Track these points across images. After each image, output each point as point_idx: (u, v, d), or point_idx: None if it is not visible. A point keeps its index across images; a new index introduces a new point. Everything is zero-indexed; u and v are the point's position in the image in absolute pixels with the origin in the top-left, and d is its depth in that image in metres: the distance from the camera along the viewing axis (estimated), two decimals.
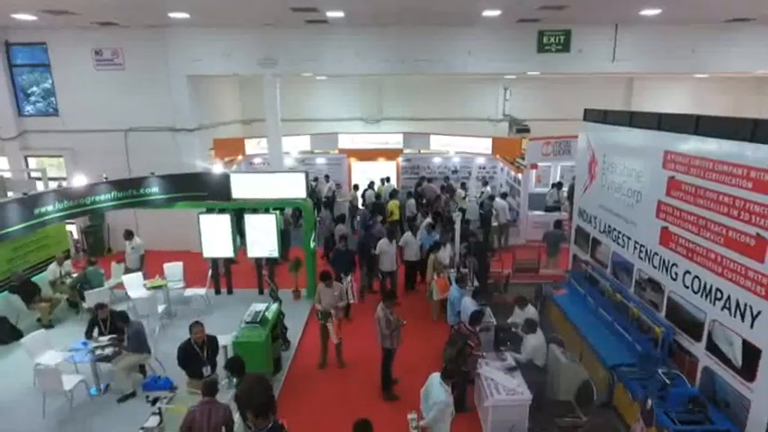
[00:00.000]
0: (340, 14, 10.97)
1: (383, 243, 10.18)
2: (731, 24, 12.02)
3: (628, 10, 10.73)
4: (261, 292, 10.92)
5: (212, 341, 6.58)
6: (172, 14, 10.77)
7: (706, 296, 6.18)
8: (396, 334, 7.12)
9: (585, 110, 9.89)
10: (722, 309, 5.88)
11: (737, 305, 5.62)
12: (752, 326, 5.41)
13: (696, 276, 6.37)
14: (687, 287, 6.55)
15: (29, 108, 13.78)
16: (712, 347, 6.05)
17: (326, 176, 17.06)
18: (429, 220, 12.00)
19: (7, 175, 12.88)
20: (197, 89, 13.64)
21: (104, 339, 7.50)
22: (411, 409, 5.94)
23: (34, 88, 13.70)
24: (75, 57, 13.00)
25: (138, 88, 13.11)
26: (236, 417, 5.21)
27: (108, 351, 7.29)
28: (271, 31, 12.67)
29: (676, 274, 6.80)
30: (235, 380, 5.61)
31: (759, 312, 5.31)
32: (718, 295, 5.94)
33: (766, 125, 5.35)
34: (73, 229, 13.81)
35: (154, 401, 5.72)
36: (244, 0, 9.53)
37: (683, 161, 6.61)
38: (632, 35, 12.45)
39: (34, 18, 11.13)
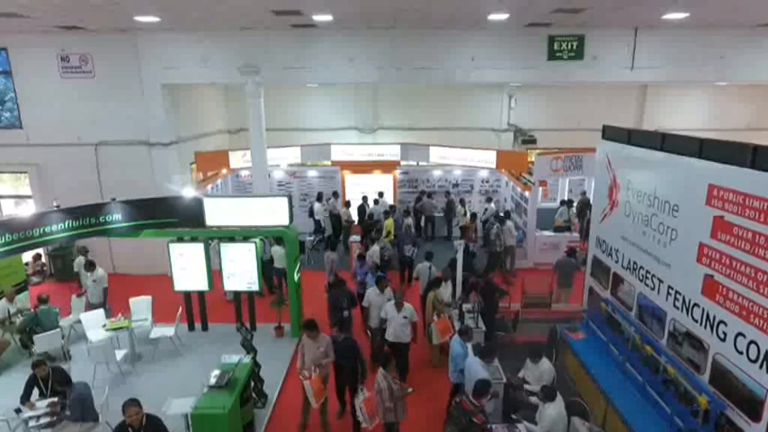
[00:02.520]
0: (328, 18, 9.81)
1: (371, 293, 8.39)
2: (763, 29, 10.85)
3: (651, 13, 9.58)
4: (239, 329, 9.75)
5: (153, 424, 5.34)
6: (138, 18, 9.60)
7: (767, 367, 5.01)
8: (400, 405, 5.96)
9: (604, 126, 8.73)
10: None
11: None
12: None
13: (753, 342, 5.20)
14: (740, 353, 5.38)
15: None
16: None
17: (335, 193, 15.63)
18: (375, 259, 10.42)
19: None
20: (174, 98, 12.48)
21: (43, 405, 6.33)
22: None
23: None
24: (39, 63, 11.85)
25: (108, 98, 11.97)
26: None
27: (44, 421, 6.12)
28: (253, 36, 11.51)
29: (725, 333, 5.62)
30: None
31: None
32: None
33: None
34: (41, 251, 12.66)
35: None
36: (216, 3, 8.36)
37: (736, 200, 5.43)
38: (653, 40, 11.29)
39: None
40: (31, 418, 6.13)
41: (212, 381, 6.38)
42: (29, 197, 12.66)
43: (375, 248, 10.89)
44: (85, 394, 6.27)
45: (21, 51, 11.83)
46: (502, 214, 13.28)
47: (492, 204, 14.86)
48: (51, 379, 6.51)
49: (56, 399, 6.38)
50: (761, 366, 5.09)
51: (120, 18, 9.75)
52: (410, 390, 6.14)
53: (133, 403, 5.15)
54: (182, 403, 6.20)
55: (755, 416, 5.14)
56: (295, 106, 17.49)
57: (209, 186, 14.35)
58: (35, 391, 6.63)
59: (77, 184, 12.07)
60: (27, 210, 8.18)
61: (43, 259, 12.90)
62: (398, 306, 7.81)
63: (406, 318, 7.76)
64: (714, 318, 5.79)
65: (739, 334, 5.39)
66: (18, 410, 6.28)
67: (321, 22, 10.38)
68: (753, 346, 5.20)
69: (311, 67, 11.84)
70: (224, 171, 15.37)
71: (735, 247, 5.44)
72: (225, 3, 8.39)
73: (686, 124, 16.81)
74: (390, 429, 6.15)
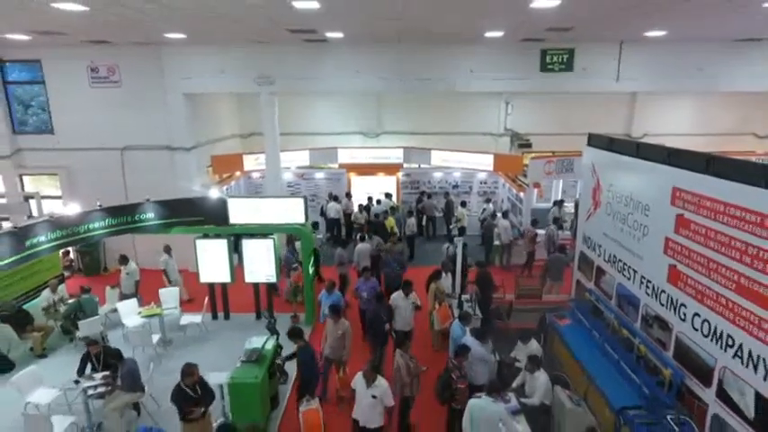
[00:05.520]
0: (339, 35, 10.78)
1: (397, 296, 8.70)
2: (741, 43, 11.83)
3: (633, 31, 10.56)
4: (258, 317, 10.74)
5: (203, 383, 6.38)
6: (167, 35, 10.57)
7: (716, 341, 5.97)
8: (416, 381, 6.93)
9: (590, 135, 9.68)
10: (733, 357, 5.67)
11: (750, 355, 5.42)
12: (765, 378, 5.21)
13: (706, 320, 6.17)
14: (696, 330, 6.35)
15: (25, 126, 13.56)
16: (723, 395, 5.85)
17: (348, 194, 16.43)
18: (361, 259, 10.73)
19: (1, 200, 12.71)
20: (194, 106, 13.44)
21: (97, 377, 7.29)
22: None
23: (31, 105, 13.49)
24: (70, 74, 12.84)
25: (133, 106, 12.94)
26: None
27: (100, 390, 7.10)
28: (268, 49, 12.49)
29: (685, 314, 6.59)
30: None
31: None
32: (730, 342, 5.74)
33: None
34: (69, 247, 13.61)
35: None
36: (239, 23, 9.31)
37: (693, 200, 6.40)
38: (637, 53, 12.28)
39: (27, 38, 10.93)
40: (88, 387, 7.09)
41: (244, 357, 7.36)
42: (59, 197, 13.65)
43: (363, 246, 11.39)
44: (134, 368, 7.24)
45: (53, 63, 12.82)
46: (500, 214, 14.27)
47: (490, 205, 15.81)
48: (103, 355, 7.47)
49: (108, 372, 7.34)
50: (711, 340, 6.06)
51: (151, 35, 10.72)
52: (424, 368, 7.08)
53: (193, 366, 6.17)
54: (218, 375, 7.18)
55: (707, 382, 6.11)
56: (304, 112, 18.41)
57: (225, 187, 15.31)
58: (88, 368, 7.59)
59: (104, 186, 12.97)
60: (73, 209, 9.11)
61: (71, 255, 13.86)
62: (368, 380, 6.13)
63: (375, 397, 6.06)
64: (677, 301, 6.76)
65: (695, 314, 6.37)
66: (77, 381, 7.25)
67: (332, 39, 11.34)
68: (705, 324, 6.17)
69: (321, 77, 12.82)
70: (238, 173, 16.33)
71: (692, 240, 6.41)
72: (246, 23, 9.35)
73: (673, 130, 17.71)
74: (407, 403, 7.09)
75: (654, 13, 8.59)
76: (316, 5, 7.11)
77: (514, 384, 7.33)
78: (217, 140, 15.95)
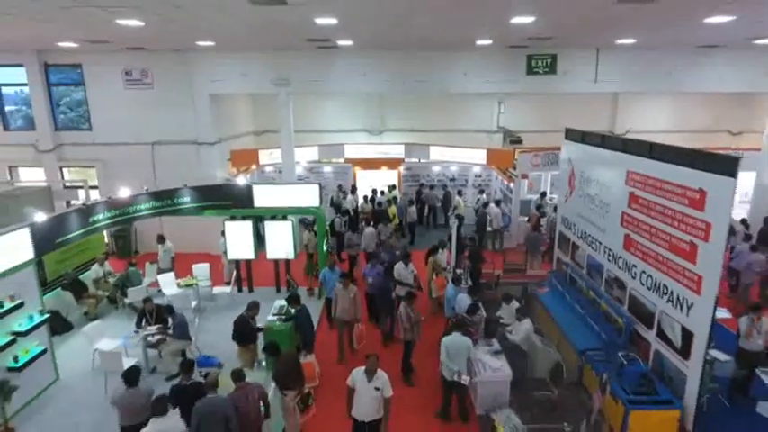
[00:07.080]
0: (349, 43, 12.31)
1: (399, 266, 10.16)
2: (704, 49, 13.37)
3: (606, 39, 12.07)
4: (278, 290, 12.23)
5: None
6: (199, 43, 12.10)
7: (656, 291, 7.49)
8: (416, 328, 8.42)
9: (567, 129, 11.19)
10: (667, 301, 7.19)
11: (678, 298, 6.94)
12: (687, 314, 6.73)
13: (649, 275, 7.68)
14: (643, 284, 7.86)
15: (65, 123, 15.10)
16: (661, 334, 7.37)
17: (353, 187, 17.80)
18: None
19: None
20: (217, 106, 14.96)
21: (152, 328, 8.81)
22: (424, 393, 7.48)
23: (66, 105, 15.01)
24: (107, 77, 14.33)
25: (164, 105, 14.43)
26: (270, 391, 6.60)
27: (156, 338, 8.62)
28: (284, 54, 14.02)
29: (635, 273, 8.11)
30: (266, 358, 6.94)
31: (692, 304, 6.63)
32: (665, 290, 7.26)
33: (699, 155, 6.69)
34: (104, 232, 15.11)
35: (206, 376, 7.00)
36: (264, 33, 10.82)
37: (640, 180, 7.92)
38: (612, 58, 13.81)
39: (75, 45, 12.46)
40: (147, 335, 8.62)
41: (274, 311, 8.88)
42: (95, 187, 15.18)
43: (370, 231, 12.87)
44: (184, 321, 8.74)
45: (92, 67, 14.33)
46: (492, 203, 15.77)
47: (484, 195, 17.35)
48: (156, 310, 8.99)
49: (161, 324, 8.86)
50: (653, 291, 7.57)
51: (184, 42, 12.24)
52: (423, 318, 8.62)
53: (257, 303, 8.06)
54: None
55: (650, 325, 7.63)
56: (313, 111, 19.96)
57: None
58: (143, 321, 9.11)
59: (136, 177, 14.48)
60: (124, 192, 10.62)
61: (106, 240, 15.36)
62: (369, 373, 6.10)
63: (378, 389, 6.09)
64: (630, 263, 8.28)
65: (642, 272, 7.88)
66: (136, 331, 8.78)
67: (342, 46, 12.87)
68: (649, 279, 7.69)
69: (332, 80, 14.36)
70: (253, 167, 17.87)
71: (639, 212, 7.94)
72: (271, 34, 10.86)
73: (653, 127, 19.25)
74: (408, 345, 8.60)
75: (613, 27, 10.12)
76: (334, 21, 8.63)
77: (507, 329, 8.84)
78: (235, 137, 17.49)
